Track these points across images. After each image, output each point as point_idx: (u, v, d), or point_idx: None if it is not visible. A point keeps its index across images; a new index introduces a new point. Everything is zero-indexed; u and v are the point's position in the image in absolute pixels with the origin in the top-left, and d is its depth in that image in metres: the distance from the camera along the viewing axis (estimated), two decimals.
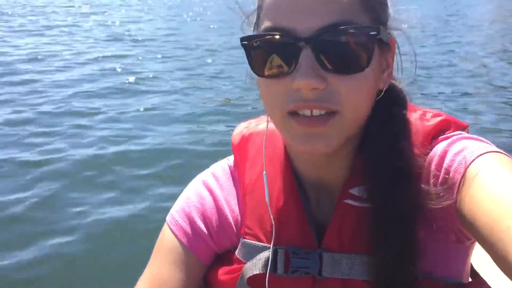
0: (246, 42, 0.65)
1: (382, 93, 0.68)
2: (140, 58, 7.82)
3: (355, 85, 0.62)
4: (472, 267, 0.83)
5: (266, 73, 0.64)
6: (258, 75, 0.66)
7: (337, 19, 0.60)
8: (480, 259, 0.98)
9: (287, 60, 0.62)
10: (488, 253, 0.57)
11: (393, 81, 0.73)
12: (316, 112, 0.62)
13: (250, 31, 0.71)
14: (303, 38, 0.60)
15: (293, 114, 0.63)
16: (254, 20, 0.70)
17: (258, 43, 0.64)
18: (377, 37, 0.61)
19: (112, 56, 7.81)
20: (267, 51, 0.64)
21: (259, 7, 0.67)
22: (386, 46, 0.66)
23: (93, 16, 12.23)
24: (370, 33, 0.61)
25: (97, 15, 12.45)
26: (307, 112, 0.62)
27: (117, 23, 11.45)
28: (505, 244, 0.52)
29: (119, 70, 6.87)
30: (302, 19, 0.60)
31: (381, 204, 0.66)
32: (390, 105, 0.71)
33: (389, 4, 0.68)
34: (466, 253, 0.73)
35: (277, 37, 0.62)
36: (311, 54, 0.60)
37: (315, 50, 0.60)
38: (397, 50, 0.70)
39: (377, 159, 0.68)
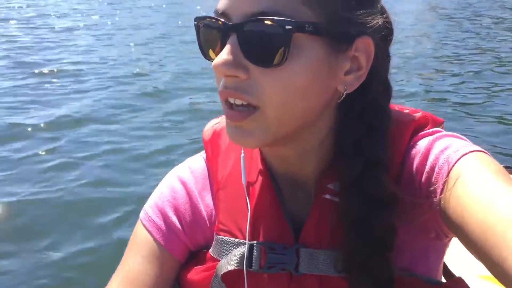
0: (196, 23, 0.66)
1: (343, 96, 0.64)
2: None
3: (277, 81, 0.59)
4: (445, 266, 0.83)
5: (208, 56, 0.65)
6: (203, 57, 0.66)
7: (263, 8, 0.58)
8: (454, 258, 0.99)
9: (221, 45, 0.61)
10: (479, 257, 0.56)
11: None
12: (238, 101, 0.61)
13: None
14: (231, 24, 0.60)
15: (225, 101, 0.63)
16: None
17: (202, 25, 0.64)
18: (293, 32, 0.57)
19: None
20: (208, 34, 0.64)
21: None
22: (343, 45, 0.61)
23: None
24: (285, 27, 0.57)
25: None
26: (232, 100, 0.62)
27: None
28: (501, 250, 0.51)
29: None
30: (236, 5, 0.60)
31: (353, 204, 0.64)
32: (363, 109, 0.66)
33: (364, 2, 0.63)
34: (442, 250, 0.73)
35: (214, 20, 0.62)
36: (236, 41, 0.59)
37: (240, 37, 0.59)
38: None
39: (350, 185, 0.65)
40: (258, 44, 0.59)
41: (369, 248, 0.64)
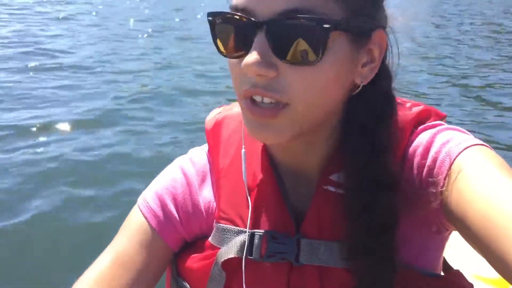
0: (211, 19, 0.64)
1: (360, 88, 0.65)
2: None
3: (307, 78, 0.59)
4: (445, 261, 0.84)
5: (226, 52, 0.64)
6: (219, 53, 0.64)
7: (296, 5, 0.57)
8: (452, 253, 1.00)
9: (244, 42, 0.60)
10: (480, 251, 0.56)
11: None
12: (267, 99, 0.60)
13: None
14: (260, 22, 0.58)
15: (248, 98, 0.62)
16: None
17: (220, 21, 0.63)
18: (331, 31, 0.58)
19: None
20: (227, 31, 0.62)
21: None
22: (364, 39, 0.63)
23: None
24: (323, 26, 0.57)
25: None
26: (259, 98, 0.61)
27: None
28: (503, 243, 0.51)
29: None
30: (263, 1, 0.58)
31: (359, 191, 0.65)
32: (375, 102, 0.67)
33: None
34: (443, 244, 0.73)
35: (237, 17, 0.60)
36: (265, 39, 0.58)
37: (268, 35, 0.58)
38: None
39: (358, 172, 0.65)
40: (291, 43, 0.58)
41: (373, 233, 0.63)
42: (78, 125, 4.28)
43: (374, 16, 0.64)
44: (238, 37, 0.61)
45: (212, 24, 0.64)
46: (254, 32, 0.59)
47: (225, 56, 0.64)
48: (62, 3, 12.07)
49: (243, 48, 0.61)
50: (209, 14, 0.64)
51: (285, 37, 0.58)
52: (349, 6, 0.60)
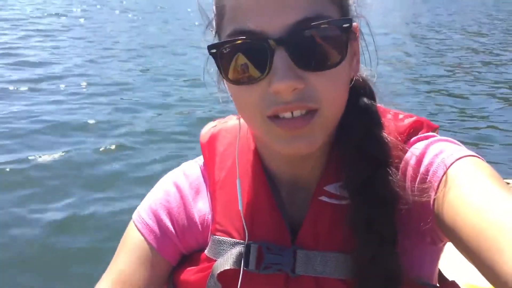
0: (214, 50, 0.62)
1: (353, 81, 0.67)
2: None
3: (332, 80, 0.60)
4: (440, 272, 0.84)
5: (240, 79, 0.61)
6: (231, 83, 0.62)
7: (307, 14, 0.57)
8: (447, 264, 1.00)
9: (261, 63, 0.59)
10: (472, 261, 0.56)
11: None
12: (297, 113, 0.60)
13: (211, 36, 0.67)
14: (275, 39, 0.57)
15: (273, 117, 0.61)
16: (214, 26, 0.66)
17: (228, 50, 0.61)
18: (350, 29, 0.60)
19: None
20: (238, 57, 0.60)
21: (219, 13, 0.63)
22: (352, 33, 0.64)
23: None
24: (343, 26, 0.59)
25: None
26: (288, 115, 0.60)
27: None
28: (493, 254, 0.51)
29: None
30: (270, 19, 0.57)
31: (359, 194, 0.65)
32: (358, 95, 0.70)
33: None
34: (438, 255, 0.73)
35: (247, 40, 0.59)
36: (285, 55, 0.58)
37: (289, 49, 0.57)
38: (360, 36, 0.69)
39: (354, 148, 0.67)
40: (316, 50, 0.58)
41: (378, 252, 0.64)
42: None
43: (352, 9, 0.66)
44: (253, 61, 0.59)
45: (218, 56, 0.62)
46: (271, 51, 0.58)
47: (238, 84, 0.62)
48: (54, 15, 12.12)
49: (259, 70, 0.59)
50: (212, 47, 0.61)
51: (308, 47, 0.58)
52: (341, 6, 0.62)
